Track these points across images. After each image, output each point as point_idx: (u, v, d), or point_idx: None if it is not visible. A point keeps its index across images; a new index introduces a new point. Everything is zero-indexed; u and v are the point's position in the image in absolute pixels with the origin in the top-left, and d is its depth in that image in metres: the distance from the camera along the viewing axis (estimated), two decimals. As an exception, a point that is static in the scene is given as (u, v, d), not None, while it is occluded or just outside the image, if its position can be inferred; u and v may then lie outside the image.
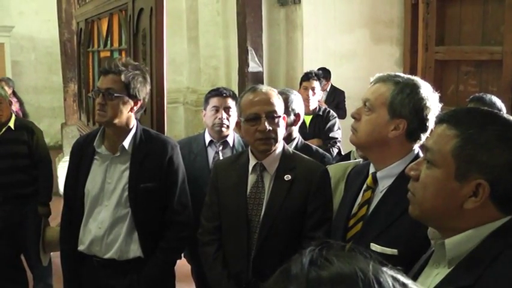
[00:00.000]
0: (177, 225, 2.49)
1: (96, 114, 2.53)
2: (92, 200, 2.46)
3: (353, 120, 1.82)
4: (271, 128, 2.14)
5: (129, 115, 2.43)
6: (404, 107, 1.70)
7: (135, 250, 2.43)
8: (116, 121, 2.40)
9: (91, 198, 2.45)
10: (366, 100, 1.76)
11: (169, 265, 2.54)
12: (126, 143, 2.43)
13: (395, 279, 0.64)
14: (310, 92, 4.55)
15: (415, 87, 1.72)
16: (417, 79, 1.78)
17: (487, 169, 1.18)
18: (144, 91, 2.44)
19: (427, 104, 1.72)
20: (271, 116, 2.15)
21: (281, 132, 2.19)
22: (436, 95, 1.76)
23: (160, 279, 2.47)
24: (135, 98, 2.41)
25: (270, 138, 2.15)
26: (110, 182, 2.44)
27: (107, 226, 2.41)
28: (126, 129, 2.44)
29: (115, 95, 2.35)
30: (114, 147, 2.45)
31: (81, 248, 2.47)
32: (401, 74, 1.80)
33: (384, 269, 0.65)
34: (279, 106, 2.19)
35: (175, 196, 2.48)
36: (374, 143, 1.75)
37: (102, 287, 2.48)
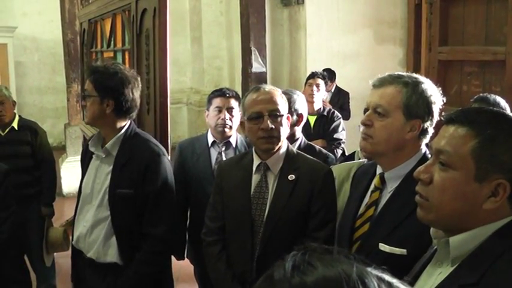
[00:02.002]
0: (150, 238, 2.37)
1: None
2: (83, 197, 2.51)
3: (363, 126, 1.75)
4: (273, 127, 2.13)
5: (109, 115, 2.40)
6: (419, 107, 1.69)
7: (112, 255, 2.40)
8: (95, 121, 2.46)
9: (83, 195, 2.51)
10: (377, 106, 1.71)
11: (144, 277, 2.39)
12: (109, 145, 2.43)
13: (380, 279, 0.64)
14: (315, 87, 4.53)
15: (423, 85, 1.71)
16: (419, 76, 1.76)
17: (508, 168, 1.17)
18: (117, 88, 2.36)
19: (435, 99, 1.72)
20: (274, 114, 2.15)
21: (284, 131, 2.19)
22: (437, 89, 1.76)
23: None
24: (105, 97, 2.37)
25: (273, 136, 2.15)
26: (98, 182, 2.46)
27: (89, 225, 2.44)
28: (113, 131, 2.43)
29: (87, 96, 2.41)
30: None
31: (73, 242, 2.55)
32: (403, 73, 1.78)
33: (369, 269, 0.65)
34: (282, 105, 2.18)
35: (151, 207, 2.38)
36: (392, 148, 1.72)
37: (86, 283, 2.53)
